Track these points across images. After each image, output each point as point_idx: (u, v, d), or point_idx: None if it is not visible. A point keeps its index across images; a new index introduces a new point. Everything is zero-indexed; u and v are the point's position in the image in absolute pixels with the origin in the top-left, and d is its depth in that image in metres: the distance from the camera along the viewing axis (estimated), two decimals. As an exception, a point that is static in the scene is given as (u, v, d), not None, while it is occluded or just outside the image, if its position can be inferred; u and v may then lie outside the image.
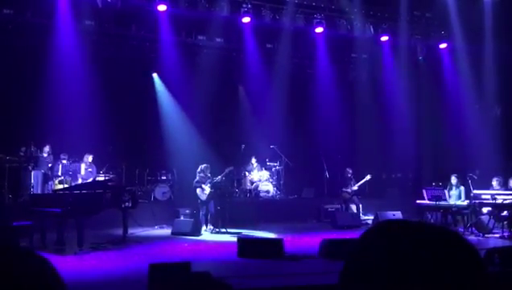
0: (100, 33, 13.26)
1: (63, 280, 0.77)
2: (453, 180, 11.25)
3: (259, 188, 13.74)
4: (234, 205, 12.29)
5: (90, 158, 12.05)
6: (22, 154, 11.43)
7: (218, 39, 14.65)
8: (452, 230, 0.76)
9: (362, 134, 15.25)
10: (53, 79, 12.28)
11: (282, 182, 14.36)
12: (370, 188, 13.45)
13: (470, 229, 10.55)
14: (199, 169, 11.16)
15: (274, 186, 14.01)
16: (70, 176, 11.67)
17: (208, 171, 11.20)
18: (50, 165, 11.76)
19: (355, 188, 12.75)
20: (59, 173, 11.72)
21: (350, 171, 12.96)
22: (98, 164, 12.35)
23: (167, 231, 10.56)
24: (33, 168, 11.38)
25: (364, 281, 0.70)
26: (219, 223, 10.69)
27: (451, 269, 0.68)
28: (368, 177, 12.82)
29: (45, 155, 11.68)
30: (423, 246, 0.70)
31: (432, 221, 11.17)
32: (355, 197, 12.74)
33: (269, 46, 15.42)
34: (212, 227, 10.72)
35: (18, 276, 0.71)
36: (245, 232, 10.65)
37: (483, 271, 0.69)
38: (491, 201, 10.37)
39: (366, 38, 14.95)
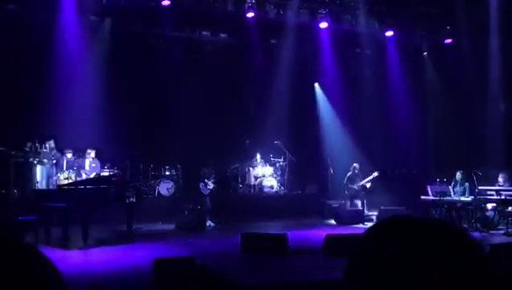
0: (104, 28, 13.26)
1: (62, 277, 0.77)
2: (458, 176, 11.21)
3: (263, 184, 13.75)
4: (238, 201, 12.31)
5: (93, 153, 12.09)
6: (27, 149, 11.48)
7: (222, 35, 14.63)
8: (457, 226, 0.75)
9: (366, 130, 15.21)
10: (58, 74, 12.30)
11: (286, 177, 14.37)
12: (375, 183, 13.43)
13: (475, 226, 10.52)
14: (205, 165, 11.22)
15: (278, 181, 14.01)
16: (74, 171, 11.72)
17: (213, 167, 11.24)
18: (54, 160, 11.79)
19: (361, 183, 12.74)
20: (64, 168, 11.77)
21: (357, 167, 12.94)
22: (103, 160, 12.38)
23: (171, 226, 10.59)
24: (38, 163, 11.42)
25: (368, 279, 0.70)
26: (222, 218, 10.71)
27: (455, 266, 0.67)
28: (375, 174, 12.80)
29: (48, 150, 11.71)
30: (427, 242, 0.69)
31: (437, 217, 11.15)
32: (361, 193, 12.73)
33: (273, 41, 15.39)
34: (211, 223, 10.74)
35: (15, 272, 0.71)
36: (249, 227, 10.66)
37: (487, 268, 0.69)
38: (496, 197, 10.33)
39: (371, 33, 14.88)
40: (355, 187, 12.71)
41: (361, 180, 12.80)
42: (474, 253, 0.69)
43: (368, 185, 12.72)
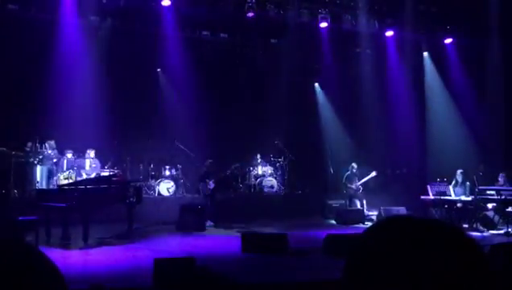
0: (104, 28, 13.26)
1: (62, 276, 0.77)
2: (458, 175, 11.20)
3: (263, 184, 13.75)
4: (238, 201, 12.31)
5: (93, 153, 12.10)
6: (27, 149, 11.48)
7: (222, 35, 14.63)
8: (456, 226, 0.75)
9: (367, 130, 15.21)
10: (58, 74, 12.31)
11: (286, 177, 14.37)
12: (375, 183, 13.44)
13: (475, 225, 10.53)
14: (207, 164, 11.22)
15: (278, 181, 14.02)
16: (75, 171, 11.72)
17: (214, 167, 11.25)
18: (55, 160, 11.81)
19: (359, 183, 12.74)
20: (64, 168, 11.77)
21: (355, 167, 12.95)
22: (103, 159, 12.39)
23: (171, 226, 10.59)
24: (38, 163, 11.43)
25: (366, 278, 0.70)
26: (223, 218, 10.70)
27: (454, 266, 0.68)
28: (373, 174, 12.81)
29: (49, 150, 11.72)
30: (426, 242, 0.70)
31: (437, 216, 11.14)
32: (359, 193, 12.73)
33: (273, 41, 15.38)
34: (212, 223, 10.74)
35: (16, 272, 0.71)
36: (250, 227, 10.67)
37: (486, 268, 0.69)
38: (496, 197, 10.33)
39: (371, 33, 14.87)
40: (353, 186, 12.72)
41: (359, 180, 12.81)
42: (473, 253, 0.69)
43: (360, 189, 12.73)
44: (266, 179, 13.82)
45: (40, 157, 11.44)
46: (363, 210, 12.38)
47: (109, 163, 12.43)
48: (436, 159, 14.65)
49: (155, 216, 11.25)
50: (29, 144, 11.54)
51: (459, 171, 11.23)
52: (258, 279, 5.89)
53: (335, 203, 13.03)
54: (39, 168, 11.42)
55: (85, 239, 7.97)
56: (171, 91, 14.95)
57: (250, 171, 14.02)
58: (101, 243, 8.32)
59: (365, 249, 0.74)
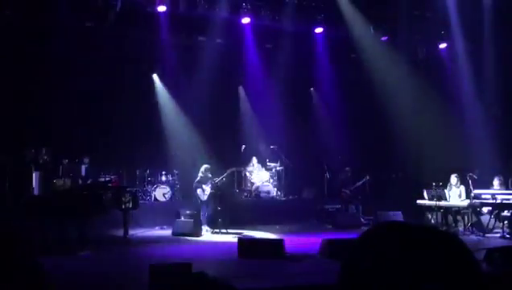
0: (100, 34, 13.26)
1: (54, 284, 0.78)
2: (453, 179, 11.23)
3: (260, 189, 13.73)
4: (235, 206, 12.30)
5: (87, 159, 12.07)
6: (24, 155, 11.45)
7: (218, 40, 14.65)
8: (449, 232, 0.77)
9: (362, 134, 15.24)
10: (53, 80, 12.30)
11: (282, 182, 14.36)
12: (370, 188, 13.45)
13: (470, 229, 10.55)
14: (202, 169, 11.20)
15: (275, 186, 14.00)
16: (71, 177, 11.69)
17: (209, 172, 11.23)
18: (50, 166, 11.77)
19: (353, 187, 12.78)
20: (60, 174, 11.74)
21: (349, 171, 12.98)
22: (99, 165, 12.35)
23: (167, 232, 10.57)
24: (35, 169, 11.39)
25: (361, 282, 0.71)
26: (219, 224, 10.69)
27: (446, 270, 0.69)
28: (367, 178, 12.85)
29: (45, 157, 11.69)
30: (419, 247, 0.71)
31: (433, 221, 11.18)
32: (354, 198, 12.75)
33: (268, 46, 15.42)
34: (208, 228, 10.72)
35: (13, 276, 0.72)
36: (246, 232, 10.65)
37: (478, 272, 0.70)
38: (491, 201, 10.37)
39: (366, 38, 14.93)
40: (347, 191, 12.75)
41: (353, 184, 12.84)
42: (464, 257, 0.71)
43: (353, 194, 12.76)
44: (262, 184, 13.81)
45: (36, 163, 11.40)
46: (358, 215, 12.39)
47: (105, 169, 12.40)
48: (432, 163, 14.68)
49: (151, 221, 11.21)
50: (25, 150, 11.51)
51: (454, 176, 11.26)
52: (255, 285, 5.88)
53: (331, 207, 13.03)
54: (35, 174, 11.37)
55: (81, 245, 7.94)
56: (167, 96, 14.94)
57: (246, 176, 14.01)
58: (97, 249, 8.28)
59: (360, 253, 0.75)
